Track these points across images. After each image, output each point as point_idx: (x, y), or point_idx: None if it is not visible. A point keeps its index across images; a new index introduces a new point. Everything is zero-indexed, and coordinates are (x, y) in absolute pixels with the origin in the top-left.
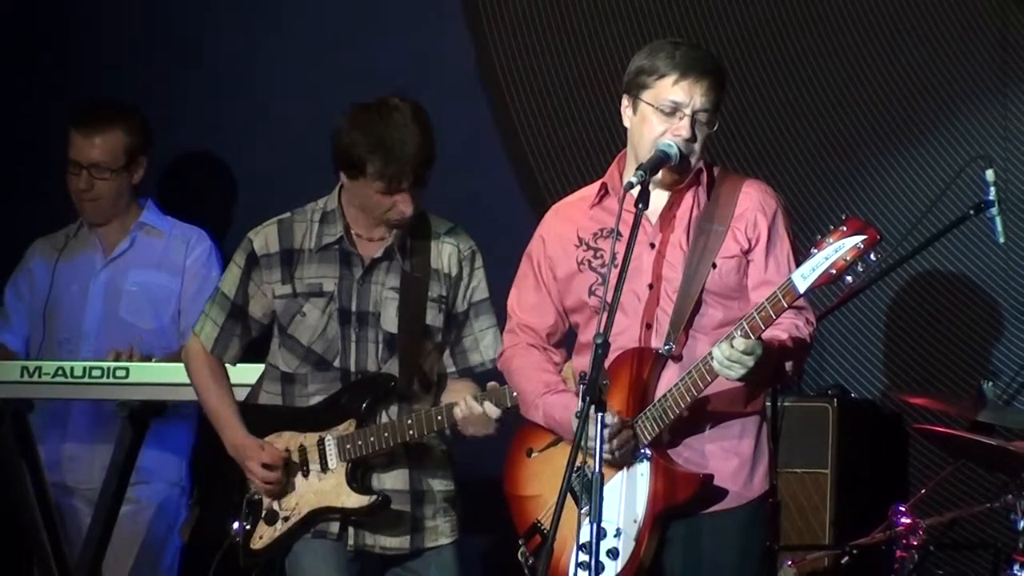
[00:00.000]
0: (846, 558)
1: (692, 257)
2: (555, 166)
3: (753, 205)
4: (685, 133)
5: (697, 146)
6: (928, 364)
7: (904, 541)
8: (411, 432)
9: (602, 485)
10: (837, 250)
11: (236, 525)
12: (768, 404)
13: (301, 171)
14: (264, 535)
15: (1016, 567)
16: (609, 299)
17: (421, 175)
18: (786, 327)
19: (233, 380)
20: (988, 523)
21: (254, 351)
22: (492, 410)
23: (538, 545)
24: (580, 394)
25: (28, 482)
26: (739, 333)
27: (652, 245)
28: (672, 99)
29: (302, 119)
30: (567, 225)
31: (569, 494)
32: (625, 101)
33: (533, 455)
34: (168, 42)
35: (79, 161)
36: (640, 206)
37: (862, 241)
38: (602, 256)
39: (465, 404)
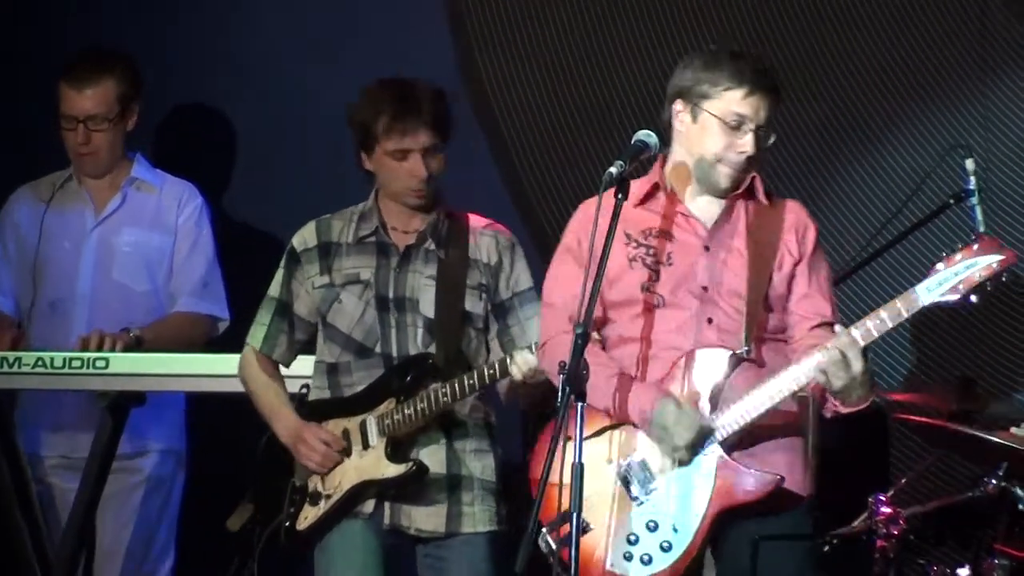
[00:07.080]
0: (826, 547)
1: (753, 264)
2: (537, 160)
3: (800, 221)
4: (749, 150)
5: (756, 159)
6: (908, 354)
7: (884, 531)
8: (445, 398)
9: (653, 477)
10: (969, 267)
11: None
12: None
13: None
14: (308, 515)
15: (997, 556)
16: (589, 289)
17: (434, 132)
18: None
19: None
20: (969, 512)
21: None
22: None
23: (567, 533)
24: (560, 384)
25: (7, 476)
26: (857, 336)
27: (707, 248)
28: (739, 112)
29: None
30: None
31: (621, 483)
32: (679, 106)
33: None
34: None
35: (74, 115)
36: (620, 196)
37: (998, 261)
38: (655, 254)
39: (521, 358)
